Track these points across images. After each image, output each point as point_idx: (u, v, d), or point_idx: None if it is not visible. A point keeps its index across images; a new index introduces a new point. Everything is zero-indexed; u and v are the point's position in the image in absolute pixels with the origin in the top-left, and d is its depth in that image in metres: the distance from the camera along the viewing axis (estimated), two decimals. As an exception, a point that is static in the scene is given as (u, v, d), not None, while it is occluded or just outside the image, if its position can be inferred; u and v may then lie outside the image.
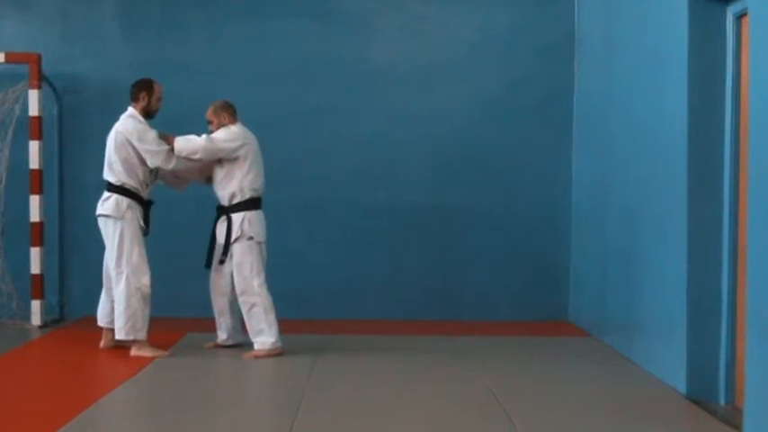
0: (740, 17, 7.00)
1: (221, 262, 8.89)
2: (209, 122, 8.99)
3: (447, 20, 11.12)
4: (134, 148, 8.74)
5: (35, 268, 10.38)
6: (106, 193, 8.79)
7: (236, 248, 8.77)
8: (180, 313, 10.72)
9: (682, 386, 7.27)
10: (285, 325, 10.00)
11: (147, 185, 8.90)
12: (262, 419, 6.68)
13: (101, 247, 10.96)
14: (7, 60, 10.29)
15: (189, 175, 9.12)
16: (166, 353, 8.69)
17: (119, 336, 8.68)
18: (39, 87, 10.28)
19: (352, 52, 11.05)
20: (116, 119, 10.89)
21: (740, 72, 7.00)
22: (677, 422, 6.82)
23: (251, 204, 8.81)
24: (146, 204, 8.89)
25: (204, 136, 8.81)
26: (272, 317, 8.71)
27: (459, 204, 10.74)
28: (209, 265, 9.03)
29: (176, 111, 10.92)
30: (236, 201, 8.80)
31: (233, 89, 10.94)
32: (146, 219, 8.88)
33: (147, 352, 8.62)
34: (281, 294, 10.82)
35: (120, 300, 8.64)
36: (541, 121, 11.04)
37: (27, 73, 10.30)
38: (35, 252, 10.37)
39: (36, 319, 10.31)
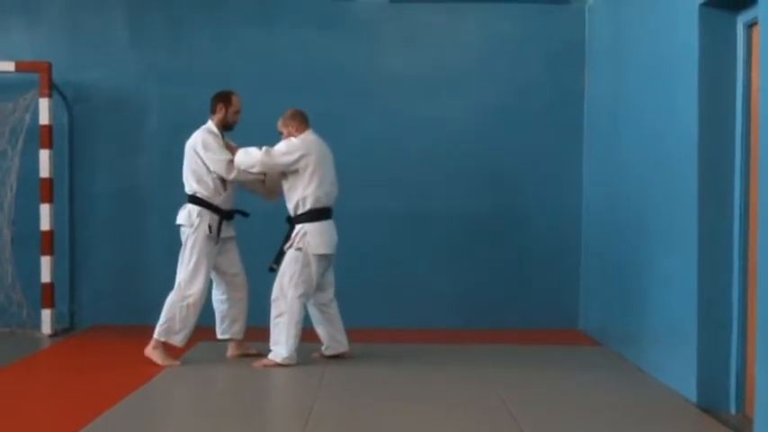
0: (750, 26, 7.00)
1: (272, 269, 8.86)
2: (281, 133, 8.96)
3: (455, 28, 11.12)
4: (201, 158, 8.79)
5: (45, 277, 10.39)
6: (184, 204, 8.88)
7: (286, 257, 8.74)
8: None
9: (692, 395, 7.26)
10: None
11: (221, 194, 8.85)
12: (272, 427, 6.67)
13: (110, 256, 11.04)
14: (18, 69, 10.31)
15: (253, 186, 9.12)
16: (177, 362, 8.68)
17: (156, 334, 8.71)
18: (49, 96, 10.30)
19: (359, 60, 11.06)
20: (126, 127, 11.03)
21: (750, 81, 6.99)
22: (687, 431, 6.80)
23: (313, 215, 8.73)
24: (222, 213, 8.86)
25: (264, 149, 8.75)
26: (295, 332, 8.65)
27: (467, 212, 10.73)
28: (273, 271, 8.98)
29: (184, 118, 10.95)
30: (299, 211, 8.74)
31: (240, 96, 10.98)
32: (221, 227, 8.87)
33: (157, 357, 8.64)
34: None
35: (168, 300, 8.71)
36: (551, 128, 11.04)
37: (37, 82, 10.32)
38: (45, 261, 10.38)
39: (46, 328, 10.32)
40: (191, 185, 8.85)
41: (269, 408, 7.21)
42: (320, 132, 10.94)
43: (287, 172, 8.78)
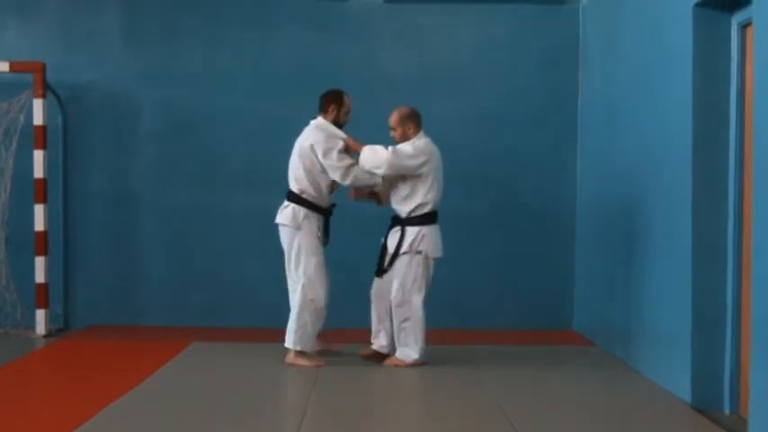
0: (744, 26, 7.00)
1: (384, 271, 8.80)
2: (392, 129, 8.82)
3: (450, 28, 11.13)
4: (319, 161, 8.65)
5: (40, 277, 10.37)
6: (285, 202, 8.72)
7: (402, 260, 8.68)
8: (185, 322, 10.75)
9: (686, 395, 7.27)
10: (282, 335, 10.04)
11: (327, 196, 8.78)
12: (267, 428, 6.67)
13: (105, 257, 11.03)
14: (12, 70, 10.30)
15: (365, 190, 8.99)
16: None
17: (287, 342, 8.64)
18: (43, 96, 10.28)
19: (353, 60, 11.03)
20: (120, 127, 11.01)
21: (745, 81, 7.00)
22: (682, 431, 6.81)
23: (428, 218, 8.70)
24: (326, 213, 8.78)
25: (390, 149, 8.60)
26: (422, 334, 8.65)
27: (462, 212, 10.71)
28: (379, 273, 8.89)
29: (178, 118, 10.99)
30: (414, 214, 8.67)
31: (235, 97, 10.99)
32: (326, 228, 8.78)
33: (304, 362, 8.60)
34: (281, 303, 10.84)
35: (294, 308, 8.63)
36: (545, 128, 11.05)
37: (31, 82, 10.30)
38: (40, 261, 10.37)
39: (41, 329, 10.30)
40: (300, 185, 8.66)
41: (263, 408, 7.20)
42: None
43: (408, 175, 8.67)
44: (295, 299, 8.64)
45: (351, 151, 8.75)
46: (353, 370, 8.54)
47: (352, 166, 8.64)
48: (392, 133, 8.81)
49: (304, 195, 8.64)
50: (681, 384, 7.36)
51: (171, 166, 11.04)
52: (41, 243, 10.37)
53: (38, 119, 10.27)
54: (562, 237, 11.02)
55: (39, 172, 10.31)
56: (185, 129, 11.02)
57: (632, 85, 8.88)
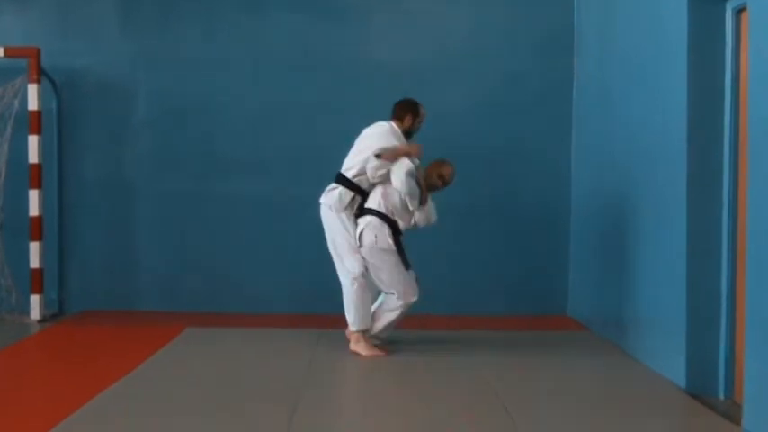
0: (739, 12, 7.00)
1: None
2: (446, 184, 8.99)
3: (444, 15, 11.10)
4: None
5: (34, 263, 10.37)
6: (333, 185, 8.71)
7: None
8: (179, 307, 10.75)
9: (681, 381, 7.28)
10: (281, 319, 10.06)
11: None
12: (261, 414, 6.67)
13: (99, 242, 11.02)
14: (6, 55, 10.28)
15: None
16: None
17: (352, 328, 8.63)
18: (38, 82, 10.26)
19: (347, 47, 11.01)
20: (115, 113, 10.98)
21: (739, 67, 7.00)
22: (677, 416, 6.82)
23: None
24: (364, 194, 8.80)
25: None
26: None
27: (456, 199, 10.67)
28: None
29: (173, 104, 10.97)
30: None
31: (230, 84, 10.97)
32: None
33: (363, 349, 8.59)
34: (274, 290, 10.85)
35: (347, 293, 8.65)
36: (540, 116, 11.03)
37: (26, 67, 10.29)
38: (34, 246, 10.36)
39: (35, 314, 10.31)
40: (355, 172, 8.65)
41: (258, 393, 7.20)
42: (309, 120, 10.95)
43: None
44: (345, 285, 8.68)
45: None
46: (347, 356, 8.54)
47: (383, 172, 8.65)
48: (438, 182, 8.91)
49: (354, 181, 8.65)
50: (676, 369, 7.38)
51: (166, 151, 11.02)
52: (36, 228, 10.36)
53: (32, 104, 10.26)
54: (557, 222, 11.01)
55: (33, 157, 10.30)
56: (181, 115, 11.00)
57: (627, 70, 8.88)
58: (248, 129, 10.99)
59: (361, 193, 8.68)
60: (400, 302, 8.65)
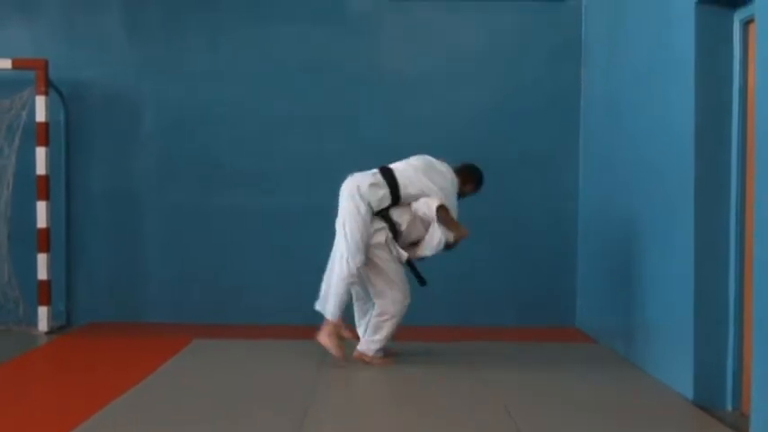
0: (747, 23, 7.00)
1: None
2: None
3: (452, 25, 11.10)
4: (426, 190, 8.70)
5: (42, 274, 10.38)
6: (380, 178, 8.73)
7: None
8: (186, 319, 10.76)
9: (689, 392, 7.27)
10: (288, 331, 10.03)
11: None
12: (268, 425, 6.66)
13: (107, 254, 11.04)
14: (14, 66, 10.30)
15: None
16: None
17: (328, 316, 8.62)
18: (46, 94, 10.29)
19: (356, 57, 11.03)
20: (122, 124, 11.00)
21: (747, 78, 7.00)
22: (684, 428, 6.80)
23: None
24: None
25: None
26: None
27: (465, 209, 10.69)
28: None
29: (181, 116, 10.98)
30: None
31: (236, 95, 10.98)
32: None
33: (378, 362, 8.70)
34: (281, 301, 10.83)
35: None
36: (547, 126, 11.02)
37: (34, 79, 10.31)
38: (42, 258, 10.37)
39: (43, 325, 10.32)
40: (409, 192, 8.69)
41: (266, 405, 7.19)
42: (316, 132, 10.96)
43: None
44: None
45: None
46: (355, 367, 8.53)
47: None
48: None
49: (402, 194, 8.68)
50: (683, 381, 7.36)
51: (173, 163, 11.04)
52: (44, 240, 10.38)
53: (40, 116, 10.28)
54: (565, 233, 11.00)
55: (41, 169, 10.31)
56: (188, 126, 11.02)
57: (635, 81, 8.87)
58: (255, 140, 11.00)
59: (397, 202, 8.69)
60: (397, 307, 8.65)
